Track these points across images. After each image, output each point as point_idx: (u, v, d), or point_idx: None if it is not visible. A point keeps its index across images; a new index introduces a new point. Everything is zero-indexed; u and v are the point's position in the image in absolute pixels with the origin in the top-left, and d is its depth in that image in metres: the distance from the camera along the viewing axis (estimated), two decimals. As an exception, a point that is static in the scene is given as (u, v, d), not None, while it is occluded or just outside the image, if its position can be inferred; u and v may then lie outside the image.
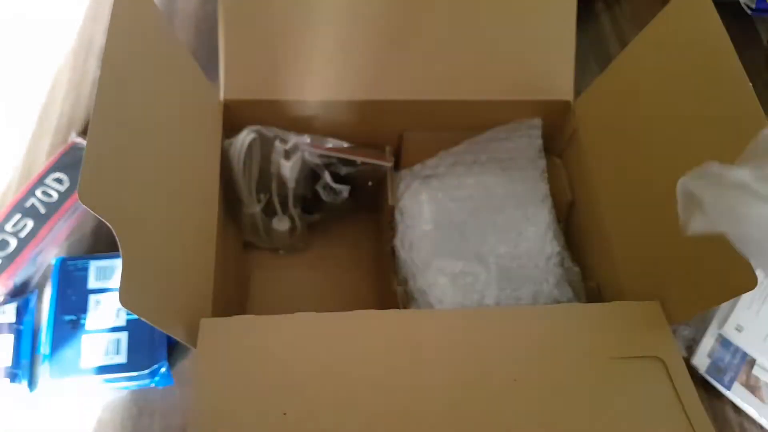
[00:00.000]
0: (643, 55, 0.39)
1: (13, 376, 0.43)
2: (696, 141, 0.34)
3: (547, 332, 0.33)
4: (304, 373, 0.30)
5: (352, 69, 0.43)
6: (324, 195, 0.48)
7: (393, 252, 0.46)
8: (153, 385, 0.44)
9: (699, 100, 0.34)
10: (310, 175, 0.48)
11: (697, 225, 0.26)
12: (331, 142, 0.46)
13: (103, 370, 0.42)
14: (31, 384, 0.44)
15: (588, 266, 0.45)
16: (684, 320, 0.35)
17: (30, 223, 0.48)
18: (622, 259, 0.40)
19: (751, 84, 0.31)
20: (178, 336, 0.31)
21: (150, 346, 0.44)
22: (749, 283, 0.29)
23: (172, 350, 0.46)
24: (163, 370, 0.43)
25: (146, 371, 0.43)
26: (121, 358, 0.43)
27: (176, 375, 0.45)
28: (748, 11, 0.67)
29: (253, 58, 0.43)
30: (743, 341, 0.48)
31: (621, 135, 0.41)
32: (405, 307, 0.42)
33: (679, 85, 0.36)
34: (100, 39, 0.65)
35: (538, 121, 0.47)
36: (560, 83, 0.46)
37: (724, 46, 0.32)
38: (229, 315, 0.33)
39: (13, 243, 0.47)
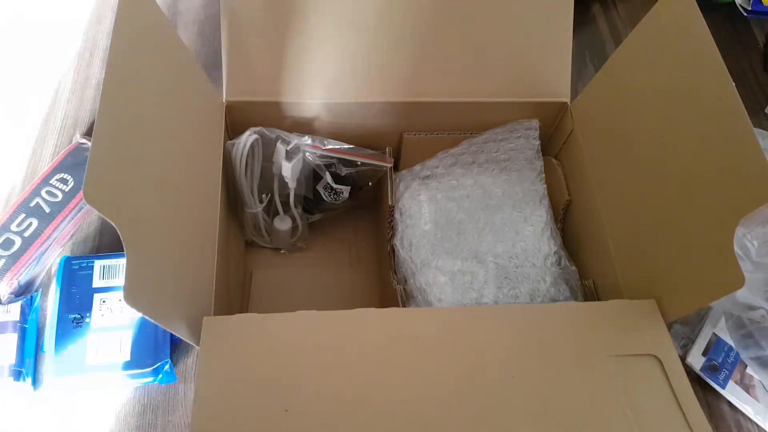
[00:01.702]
0: (633, 57, 0.40)
1: (17, 375, 0.43)
2: (686, 140, 0.35)
3: (544, 330, 0.33)
4: (305, 369, 0.31)
5: (353, 71, 0.44)
6: (325, 195, 0.48)
7: (392, 251, 0.46)
8: (156, 382, 0.44)
9: (687, 99, 0.35)
10: (311, 175, 0.49)
11: None
12: (331, 143, 0.46)
13: (106, 367, 0.43)
14: (35, 382, 0.45)
15: (585, 265, 0.46)
16: (679, 318, 0.36)
17: (35, 223, 0.49)
18: (619, 258, 0.41)
19: (732, 82, 0.31)
20: (182, 334, 0.31)
21: (153, 344, 0.44)
22: (737, 282, 0.29)
23: (175, 348, 0.46)
24: (166, 367, 0.44)
25: (150, 369, 0.44)
26: (125, 356, 0.44)
27: (179, 372, 0.46)
28: (744, 13, 0.67)
29: (255, 60, 0.43)
30: (738, 340, 0.48)
31: (617, 135, 0.41)
32: (404, 305, 0.43)
33: (668, 84, 0.36)
34: (104, 41, 0.66)
35: (535, 122, 0.47)
36: (558, 85, 0.46)
37: (707, 45, 0.33)
38: (231, 313, 0.33)
39: (18, 242, 0.48)
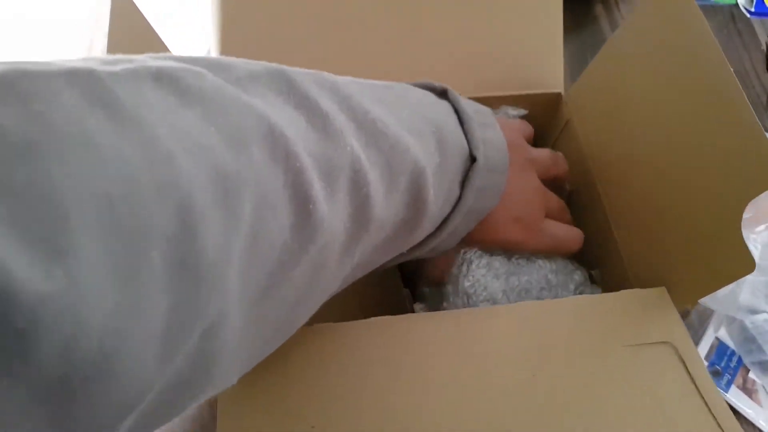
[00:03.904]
0: (628, 44, 0.40)
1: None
2: (686, 124, 0.35)
3: (558, 326, 0.33)
4: (328, 383, 0.30)
5: (347, 69, 0.44)
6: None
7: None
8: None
9: (684, 84, 0.35)
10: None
11: None
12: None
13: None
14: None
15: (591, 255, 0.45)
16: (690, 304, 0.36)
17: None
18: (625, 246, 0.40)
19: (729, 64, 0.31)
20: None
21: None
22: (747, 266, 0.30)
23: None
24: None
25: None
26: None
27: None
28: (747, 13, 0.67)
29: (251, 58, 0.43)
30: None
31: (615, 123, 0.41)
32: (413, 309, 0.42)
33: (664, 70, 0.36)
34: (101, 41, 0.65)
35: (520, 112, 0.46)
36: (550, 76, 0.46)
37: (701, 29, 0.33)
38: None
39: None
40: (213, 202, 0.16)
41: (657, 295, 0.35)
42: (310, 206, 0.20)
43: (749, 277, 0.49)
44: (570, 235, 0.41)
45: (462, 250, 0.38)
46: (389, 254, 0.30)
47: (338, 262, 0.24)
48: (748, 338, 0.47)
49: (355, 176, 0.23)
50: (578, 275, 0.41)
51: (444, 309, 0.38)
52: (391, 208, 0.26)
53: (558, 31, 0.46)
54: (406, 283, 0.44)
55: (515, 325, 0.33)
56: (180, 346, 0.16)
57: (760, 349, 0.46)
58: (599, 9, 0.72)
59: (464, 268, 0.38)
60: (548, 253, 0.40)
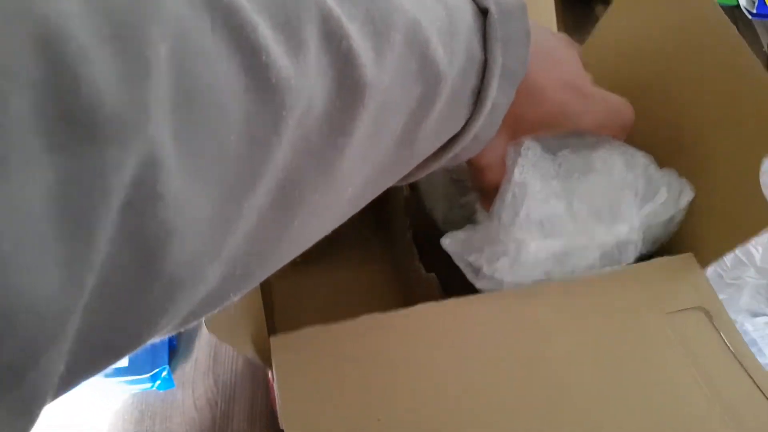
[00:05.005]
0: (624, 16, 0.40)
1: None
2: (693, 84, 0.35)
3: (596, 299, 0.34)
4: (388, 374, 0.30)
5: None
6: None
7: (414, 238, 0.44)
8: (154, 388, 0.44)
9: (687, 45, 0.35)
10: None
11: None
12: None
13: (104, 373, 0.42)
14: (32, 387, 0.44)
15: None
16: (715, 260, 0.37)
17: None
18: None
19: (730, 21, 0.32)
20: (250, 355, 0.30)
21: (151, 349, 0.44)
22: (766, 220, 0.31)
23: (173, 354, 0.46)
24: (164, 374, 0.43)
25: (147, 375, 0.43)
26: (123, 362, 0.43)
27: (177, 379, 0.45)
28: (749, 15, 0.67)
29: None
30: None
31: (620, 87, 0.41)
32: (441, 292, 0.41)
33: (665, 34, 0.37)
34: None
35: None
36: None
37: None
38: (270, 326, 0.32)
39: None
40: (95, 38, 0.13)
41: (685, 261, 0.36)
42: (263, 58, 0.16)
43: (750, 280, 0.49)
44: (622, 100, 0.35)
45: (514, 142, 0.35)
46: (420, 151, 0.26)
47: (329, 142, 0.19)
48: (748, 341, 0.47)
49: (326, 26, 0.18)
50: (642, 157, 0.37)
51: (496, 218, 0.35)
52: (389, 73, 0.21)
53: (550, 11, 0.45)
54: (429, 268, 0.43)
55: (555, 301, 0.33)
56: (94, 223, 0.13)
57: (761, 352, 0.46)
58: (600, 9, 0.72)
59: (517, 158, 0.34)
60: (603, 129, 0.35)
